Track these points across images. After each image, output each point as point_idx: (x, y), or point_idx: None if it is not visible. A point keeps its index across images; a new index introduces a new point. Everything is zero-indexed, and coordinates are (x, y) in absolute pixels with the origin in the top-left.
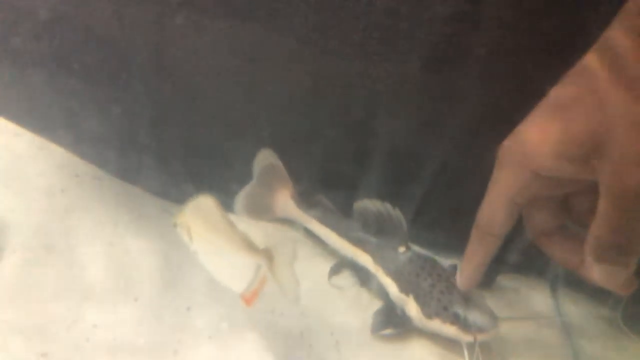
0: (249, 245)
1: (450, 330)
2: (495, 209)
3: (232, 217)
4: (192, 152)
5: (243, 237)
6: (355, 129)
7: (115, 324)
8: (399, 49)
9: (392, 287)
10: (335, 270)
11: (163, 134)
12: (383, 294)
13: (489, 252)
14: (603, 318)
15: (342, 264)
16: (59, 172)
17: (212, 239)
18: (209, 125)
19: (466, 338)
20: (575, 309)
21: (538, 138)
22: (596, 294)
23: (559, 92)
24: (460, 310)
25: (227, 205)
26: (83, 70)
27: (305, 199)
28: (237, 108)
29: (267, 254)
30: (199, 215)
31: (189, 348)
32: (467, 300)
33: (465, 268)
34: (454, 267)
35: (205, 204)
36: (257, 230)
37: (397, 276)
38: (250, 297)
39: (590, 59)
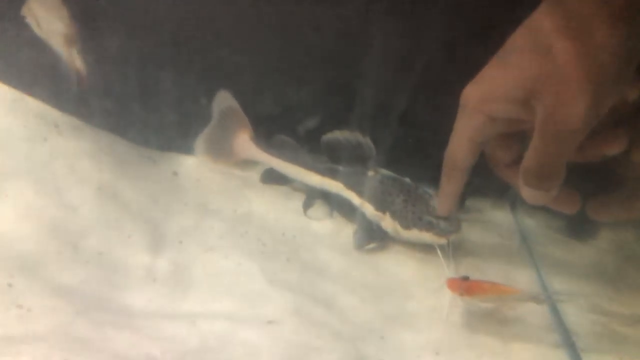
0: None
1: (426, 236)
2: (458, 147)
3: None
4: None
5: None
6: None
7: (114, 257)
8: None
9: (367, 208)
10: (308, 204)
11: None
12: (358, 215)
13: (458, 183)
14: (552, 227)
15: (313, 197)
16: (39, 123)
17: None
18: (186, 72)
19: (440, 240)
20: (531, 221)
21: (489, 86)
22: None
23: (508, 45)
24: (432, 218)
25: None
26: None
27: (265, 140)
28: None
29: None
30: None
31: (186, 270)
32: (434, 209)
33: (442, 197)
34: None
35: None
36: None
37: (370, 197)
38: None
39: (540, 12)
